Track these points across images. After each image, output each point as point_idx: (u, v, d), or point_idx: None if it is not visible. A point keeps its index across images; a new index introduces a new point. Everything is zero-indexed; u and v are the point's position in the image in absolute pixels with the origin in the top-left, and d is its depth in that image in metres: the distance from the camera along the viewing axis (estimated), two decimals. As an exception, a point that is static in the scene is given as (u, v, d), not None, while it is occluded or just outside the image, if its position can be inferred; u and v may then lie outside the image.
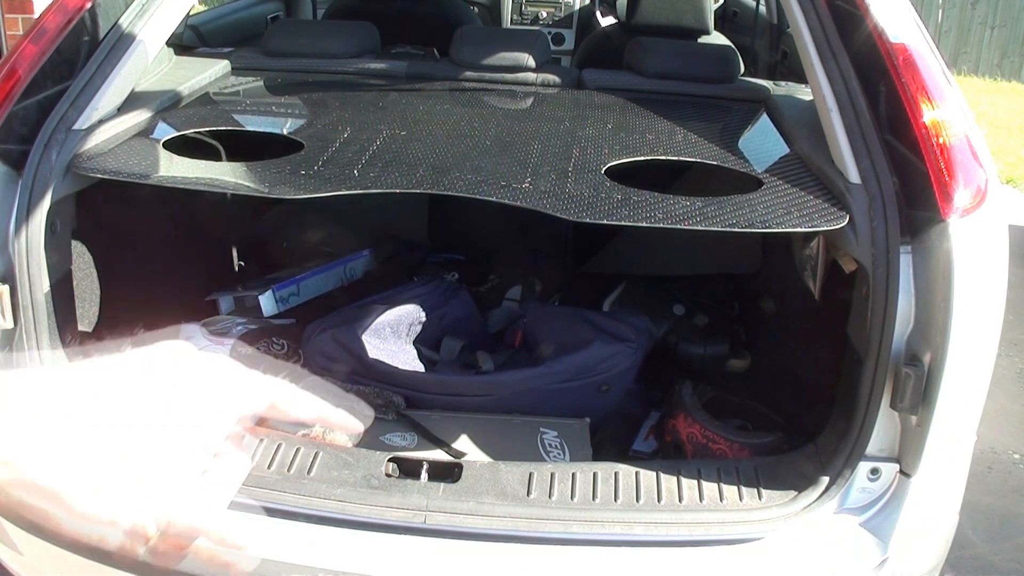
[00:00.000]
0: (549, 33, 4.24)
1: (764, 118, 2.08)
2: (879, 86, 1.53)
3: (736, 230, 1.42)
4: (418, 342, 2.08)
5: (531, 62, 2.31)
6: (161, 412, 0.47)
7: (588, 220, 1.43)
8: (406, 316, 2.05)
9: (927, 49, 1.50)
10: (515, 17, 4.52)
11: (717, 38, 3.22)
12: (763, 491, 1.46)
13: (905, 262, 1.39)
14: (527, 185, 1.54)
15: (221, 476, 0.50)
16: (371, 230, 2.65)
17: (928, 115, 1.41)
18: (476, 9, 4.29)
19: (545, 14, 4.50)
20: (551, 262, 2.63)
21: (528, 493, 1.45)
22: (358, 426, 0.58)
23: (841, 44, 1.63)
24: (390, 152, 1.69)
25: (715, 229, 1.42)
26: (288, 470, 1.48)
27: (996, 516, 2.56)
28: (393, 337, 2.01)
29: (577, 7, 4.55)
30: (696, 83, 2.28)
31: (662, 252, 2.56)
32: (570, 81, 2.35)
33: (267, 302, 2.25)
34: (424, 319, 2.09)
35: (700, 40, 3.04)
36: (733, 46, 2.91)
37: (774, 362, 2.13)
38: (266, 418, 0.52)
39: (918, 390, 1.37)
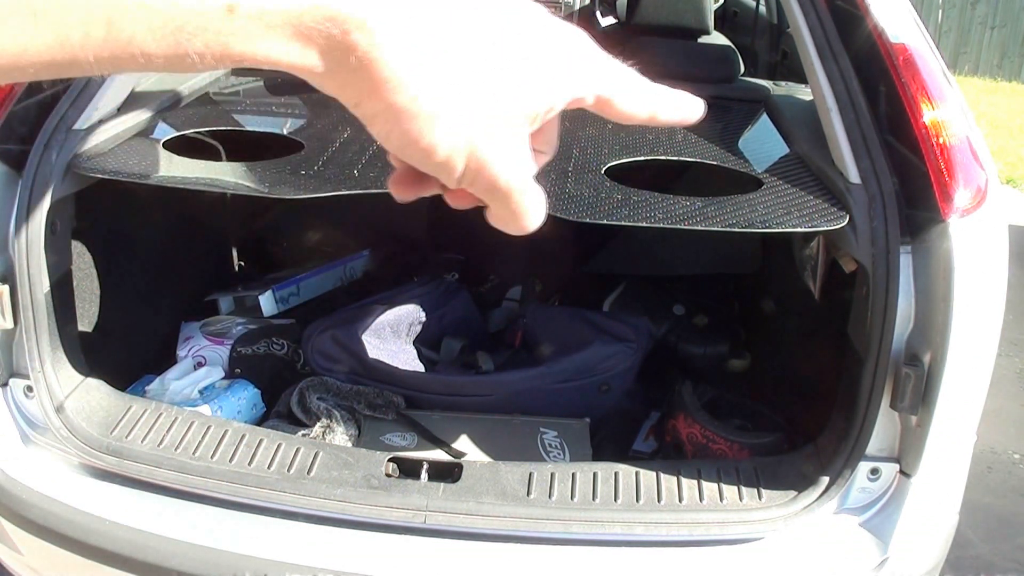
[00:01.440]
0: None
1: (764, 118, 2.07)
2: (879, 86, 1.53)
3: (736, 230, 1.42)
4: (418, 342, 2.08)
5: None
6: (509, 66, 0.45)
7: (588, 220, 1.42)
8: (406, 316, 2.06)
9: (927, 49, 1.50)
10: None
11: (717, 38, 3.21)
12: (763, 491, 1.46)
13: (905, 262, 1.39)
14: None
15: (528, 143, 0.48)
16: (371, 230, 2.65)
17: (928, 115, 1.41)
18: None
19: None
20: (551, 262, 2.63)
21: (528, 493, 1.45)
22: (694, 112, 0.54)
23: (841, 44, 1.63)
24: None
25: (715, 229, 1.41)
26: (288, 470, 1.48)
27: (996, 516, 2.56)
28: (393, 337, 2.01)
29: (577, 7, 4.53)
30: (696, 83, 2.26)
31: (662, 252, 2.56)
32: None
33: (267, 302, 2.25)
34: (424, 319, 2.10)
35: (700, 40, 3.03)
36: (733, 46, 2.90)
37: (774, 362, 2.13)
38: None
39: (918, 390, 1.37)
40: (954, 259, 1.32)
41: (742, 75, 2.37)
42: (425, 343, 2.09)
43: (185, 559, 1.42)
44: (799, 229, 1.44)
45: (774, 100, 2.14)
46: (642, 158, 1.70)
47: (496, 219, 0.48)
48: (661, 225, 1.41)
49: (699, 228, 1.41)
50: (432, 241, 2.69)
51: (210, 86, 2.19)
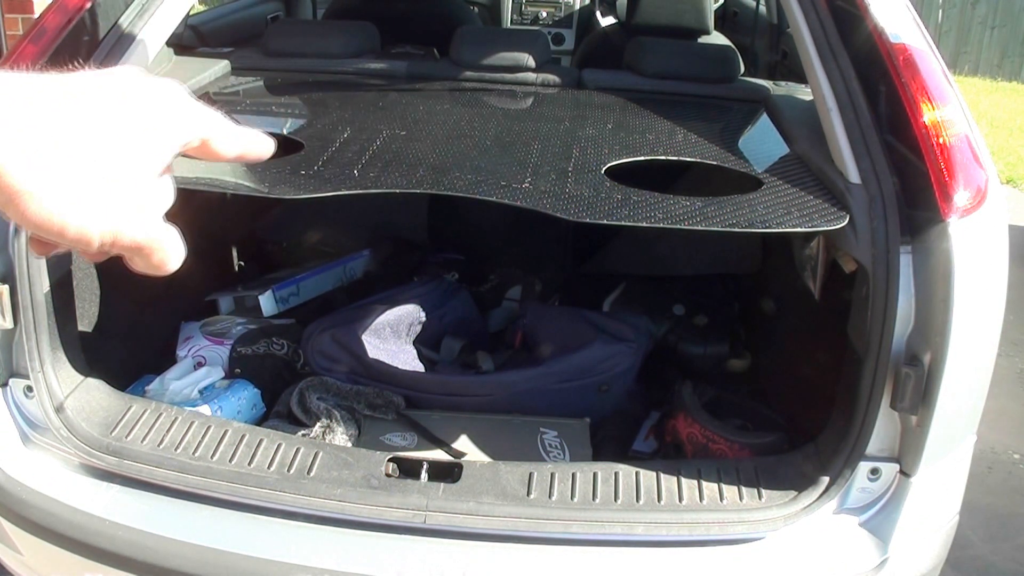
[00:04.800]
0: (549, 33, 4.23)
1: (764, 118, 2.09)
2: (879, 86, 1.53)
3: (736, 230, 1.43)
4: (418, 342, 2.09)
5: (531, 62, 2.32)
6: (114, 134, 0.49)
7: (588, 220, 1.43)
8: (406, 316, 2.07)
9: (927, 49, 1.50)
10: (515, 17, 4.52)
11: (717, 38, 3.23)
12: (763, 491, 1.47)
13: (905, 262, 1.39)
14: (527, 185, 1.54)
15: (159, 197, 0.54)
16: (371, 230, 2.66)
17: (928, 115, 1.42)
18: (476, 9, 4.30)
19: (545, 14, 4.50)
20: (551, 262, 2.64)
21: (528, 493, 1.45)
22: (266, 150, 0.60)
23: (841, 44, 1.63)
24: (390, 152, 1.70)
25: (715, 229, 1.42)
26: (288, 470, 1.49)
27: (996, 516, 2.57)
28: (393, 337, 2.03)
29: (577, 7, 4.55)
30: (696, 83, 2.29)
31: (662, 252, 2.57)
32: (570, 81, 2.37)
33: (267, 302, 2.27)
34: (424, 319, 2.11)
35: (700, 40, 3.05)
36: (733, 46, 2.92)
37: (774, 362, 2.13)
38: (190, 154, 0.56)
39: (918, 390, 1.38)
40: (954, 259, 1.33)
41: (742, 75, 2.38)
42: (425, 343, 2.10)
43: (185, 559, 1.42)
44: (799, 229, 1.44)
45: (774, 100, 2.15)
46: (642, 158, 1.71)
47: (140, 269, 0.53)
48: (661, 225, 1.41)
49: (699, 228, 1.41)
50: (432, 241, 2.70)
51: (210, 86, 2.20)
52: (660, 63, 2.32)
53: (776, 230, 1.45)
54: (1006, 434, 3.02)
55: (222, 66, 2.32)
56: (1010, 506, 2.65)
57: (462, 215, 2.61)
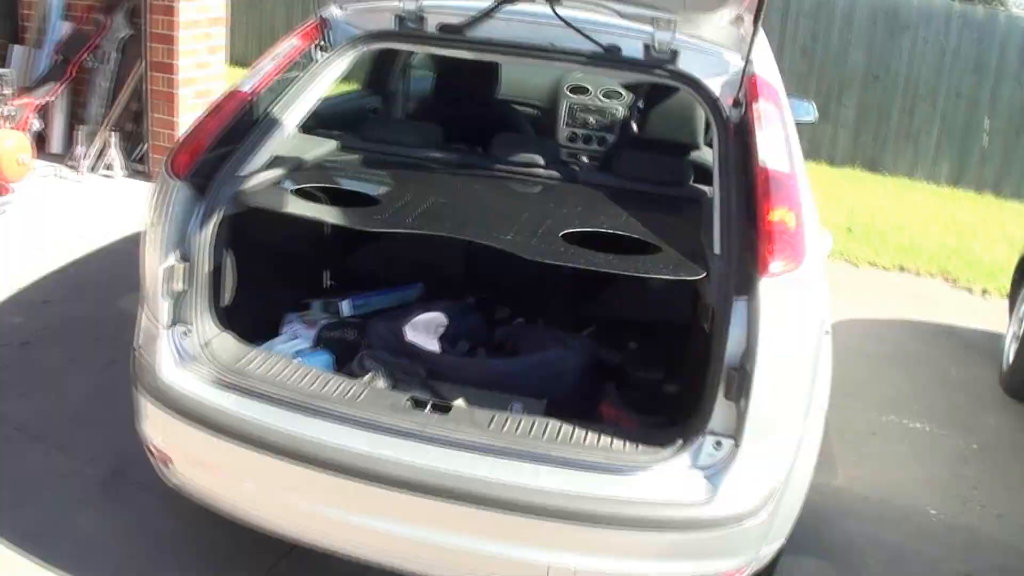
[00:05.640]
0: (594, 136, 4.90)
1: (694, 210, 2.74)
2: (752, 193, 2.24)
3: (628, 272, 2.18)
4: (440, 339, 2.83)
5: (541, 161, 3.05)
6: None
7: (538, 259, 2.19)
8: (435, 319, 2.82)
9: (789, 171, 2.22)
10: (568, 120, 5.08)
11: (705, 152, 3.84)
12: (642, 445, 2.16)
13: (740, 306, 2.07)
14: (508, 237, 2.31)
15: None
16: (423, 268, 3.37)
17: (774, 214, 2.12)
18: (537, 112, 4.95)
19: (593, 120, 5.06)
20: (549, 307, 3.28)
21: (489, 425, 2.20)
22: None
23: (735, 165, 2.36)
24: (434, 210, 2.49)
25: (615, 272, 2.18)
26: (345, 396, 2.27)
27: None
28: (424, 331, 2.77)
29: (621, 116, 5.19)
30: (654, 184, 2.97)
31: (626, 304, 3.22)
32: (568, 176, 3.06)
33: (346, 307, 3.02)
34: (446, 323, 2.85)
35: (692, 154, 3.73)
36: (687, 159, 3.49)
37: (679, 372, 2.76)
38: None
39: (740, 386, 2.04)
40: (762, 305, 2.02)
41: (693, 181, 3.06)
42: (444, 339, 2.83)
43: (277, 437, 2.17)
44: (664, 276, 2.18)
45: (705, 199, 2.83)
46: (587, 229, 2.44)
47: None
48: (582, 266, 2.18)
49: (605, 270, 2.18)
50: (468, 280, 3.36)
51: (322, 158, 3.01)
52: (632, 168, 3.02)
53: (655, 276, 2.18)
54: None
55: (332, 144, 3.11)
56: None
57: (491, 264, 3.11)
